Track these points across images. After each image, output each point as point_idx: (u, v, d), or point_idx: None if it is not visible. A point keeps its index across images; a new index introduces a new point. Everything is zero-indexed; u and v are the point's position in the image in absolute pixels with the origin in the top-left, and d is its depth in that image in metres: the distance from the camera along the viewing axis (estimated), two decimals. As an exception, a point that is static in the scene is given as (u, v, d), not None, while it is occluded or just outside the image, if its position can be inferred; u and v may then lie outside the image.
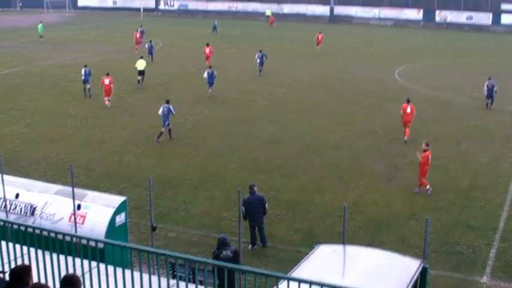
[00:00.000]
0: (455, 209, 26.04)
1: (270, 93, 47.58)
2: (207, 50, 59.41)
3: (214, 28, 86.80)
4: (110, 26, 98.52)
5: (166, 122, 35.04)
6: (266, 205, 22.22)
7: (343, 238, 18.14)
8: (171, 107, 35.20)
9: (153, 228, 20.47)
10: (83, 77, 45.60)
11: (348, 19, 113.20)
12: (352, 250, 17.66)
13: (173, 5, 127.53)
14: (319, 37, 72.82)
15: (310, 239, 22.52)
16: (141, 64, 49.97)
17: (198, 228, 23.60)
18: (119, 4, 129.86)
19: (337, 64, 62.70)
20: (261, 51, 56.84)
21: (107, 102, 42.75)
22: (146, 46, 63.21)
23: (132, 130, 37.05)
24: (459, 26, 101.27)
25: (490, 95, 43.75)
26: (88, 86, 45.52)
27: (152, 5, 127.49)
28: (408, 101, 36.38)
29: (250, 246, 22.08)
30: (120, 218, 19.65)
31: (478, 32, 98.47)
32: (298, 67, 60.30)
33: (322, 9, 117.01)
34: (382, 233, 23.47)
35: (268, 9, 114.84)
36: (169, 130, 35.34)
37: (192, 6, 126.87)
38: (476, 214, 25.59)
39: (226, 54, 65.76)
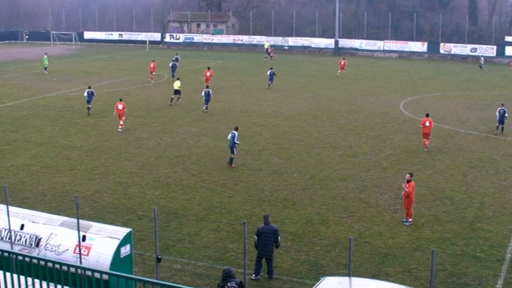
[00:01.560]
0: (461, 240, 25.92)
1: (276, 125, 47.65)
2: (208, 74, 64.54)
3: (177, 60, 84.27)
4: (116, 58, 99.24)
5: (233, 148, 36.31)
6: (279, 237, 22.16)
7: (349, 270, 18.06)
8: (236, 134, 36.38)
9: (158, 260, 20.41)
10: (86, 98, 50.72)
11: (353, 51, 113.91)
12: (358, 282, 17.58)
13: (179, 38, 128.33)
14: (342, 63, 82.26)
15: (315, 271, 22.42)
16: (176, 84, 56.41)
17: (203, 260, 23.49)
18: (124, 37, 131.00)
19: (342, 96, 62.83)
20: (271, 68, 68.89)
21: (120, 127, 45.17)
22: (170, 65, 73.16)
23: (137, 162, 37.06)
24: (463, 58, 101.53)
25: (502, 120, 45.99)
26: (89, 106, 50.66)
27: (158, 37, 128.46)
28: (427, 116, 40.93)
29: (254, 275, 21.95)
30: (125, 250, 19.55)
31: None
32: (304, 100, 60.43)
33: (327, 42, 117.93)
34: (388, 264, 23.33)
35: (267, 42, 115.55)
36: (231, 159, 36.54)
37: (198, 38, 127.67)
38: (483, 245, 25.47)
39: (231, 87, 65.98)
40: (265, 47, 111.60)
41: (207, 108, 52.92)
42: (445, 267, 23.02)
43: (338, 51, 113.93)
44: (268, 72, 68.36)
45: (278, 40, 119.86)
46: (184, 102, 57.19)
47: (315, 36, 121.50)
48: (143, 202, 29.85)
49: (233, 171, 35.33)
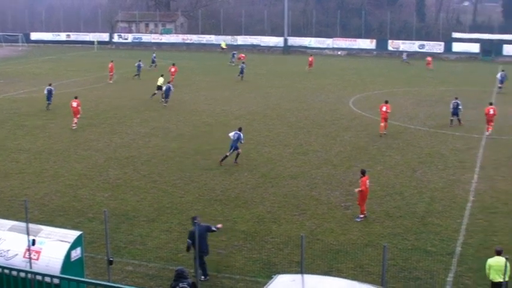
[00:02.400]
0: (412, 235, 26.15)
1: (226, 124, 47.54)
2: (173, 69, 68.79)
3: (153, 62, 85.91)
4: (64, 59, 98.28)
5: (234, 147, 36.56)
6: (212, 227, 22.04)
7: (301, 267, 18.09)
8: (241, 135, 36.67)
9: (110, 262, 20.22)
10: (46, 95, 53.14)
11: (302, 49, 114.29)
12: (311, 279, 17.61)
13: (127, 38, 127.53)
14: (310, 59, 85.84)
15: (268, 269, 22.41)
16: (160, 81, 59.11)
17: (155, 261, 23.33)
18: (72, 37, 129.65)
19: (292, 95, 63.00)
20: (243, 63, 76.33)
21: (73, 124, 45.80)
22: (136, 65, 74.60)
23: (86, 164, 36.67)
24: (411, 55, 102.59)
25: (456, 113, 47.98)
26: (49, 102, 53.02)
27: (106, 37, 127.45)
28: (386, 102, 45.36)
29: (203, 277, 21.80)
30: (76, 253, 19.32)
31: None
32: (253, 98, 60.48)
33: (276, 40, 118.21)
34: (340, 261, 23.43)
35: (223, 41, 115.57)
36: (237, 155, 36.81)
37: (146, 38, 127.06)
38: (433, 239, 25.73)
39: (181, 87, 65.72)
40: (222, 46, 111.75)
41: (166, 102, 55.27)
42: (397, 262, 23.19)
43: (287, 49, 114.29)
44: (240, 67, 75.58)
45: (227, 39, 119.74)
46: (133, 103, 56.83)
47: (264, 35, 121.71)
48: (93, 204, 29.55)
49: (183, 171, 35.18)
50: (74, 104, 46.62)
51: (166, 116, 50.57)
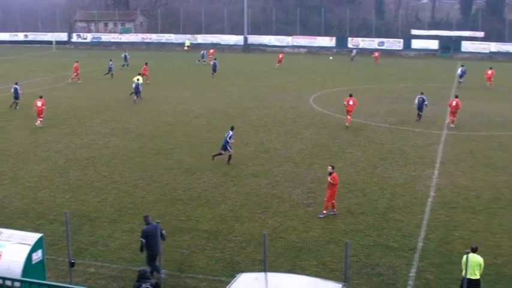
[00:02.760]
0: (374, 231, 26.26)
1: (187, 123, 47.42)
2: (144, 68, 69.57)
3: (125, 59, 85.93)
4: (22, 60, 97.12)
5: (226, 146, 36.44)
6: (163, 232, 21.99)
7: (264, 265, 18.07)
8: (231, 133, 36.54)
9: (72, 264, 20.04)
10: (13, 94, 53.83)
11: (262, 48, 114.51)
12: (274, 277, 17.59)
13: (86, 38, 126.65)
14: (280, 56, 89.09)
15: (231, 268, 22.34)
16: (137, 79, 59.09)
17: (118, 262, 23.15)
18: (30, 37, 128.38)
19: (252, 93, 63.02)
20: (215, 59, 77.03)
21: (38, 122, 46.18)
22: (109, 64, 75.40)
23: (46, 165, 36.27)
24: (371, 52, 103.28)
25: (421, 107, 49.00)
26: (16, 101, 53.57)
27: (65, 37, 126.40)
28: (351, 95, 47.30)
29: (164, 275, 21.67)
30: (37, 256, 19.09)
31: (390, 57, 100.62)
32: (214, 97, 60.38)
33: (236, 39, 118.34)
34: (303, 258, 23.45)
35: (188, 40, 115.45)
36: (229, 156, 36.64)
37: (106, 38, 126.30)
38: (395, 235, 25.87)
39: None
40: (186, 44, 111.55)
41: (138, 97, 57.22)
42: (359, 259, 23.27)
43: (247, 47, 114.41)
44: (212, 62, 78.48)
45: (187, 38, 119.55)
46: (92, 103, 56.41)
47: (224, 33, 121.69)
48: (54, 206, 29.23)
49: (145, 171, 34.95)
50: (39, 104, 46.74)
51: (126, 116, 50.24)
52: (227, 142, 36.27)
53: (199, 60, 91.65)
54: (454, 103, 47.32)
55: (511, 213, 28.66)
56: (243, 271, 19.36)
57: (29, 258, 18.67)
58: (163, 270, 21.22)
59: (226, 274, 21.72)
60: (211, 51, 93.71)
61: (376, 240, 25.31)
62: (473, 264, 19.32)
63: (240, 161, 37.07)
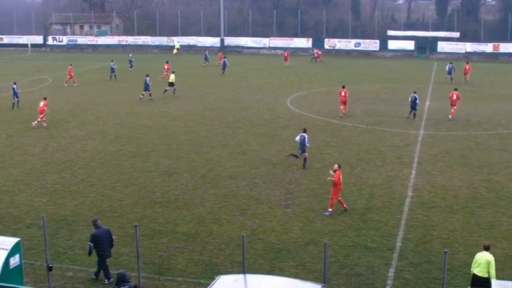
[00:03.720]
0: (352, 232, 26.31)
1: (163, 126, 47.27)
2: (166, 66, 73.44)
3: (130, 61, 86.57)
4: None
5: (301, 150, 36.22)
6: (113, 237, 21.99)
7: (243, 267, 18.04)
8: (306, 136, 36.23)
9: (50, 269, 19.92)
10: (12, 92, 54.75)
11: (239, 49, 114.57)
12: (253, 279, 17.56)
13: (62, 40, 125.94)
14: (285, 54, 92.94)
15: (210, 270, 22.30)
16: (171, 77, 63.05)
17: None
18: (5, 40, 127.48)
19: (229, 95, 62.97)
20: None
21: (34, 122, 47.02)
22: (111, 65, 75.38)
23: (23, 169, 36.01)
24: (348, 53, 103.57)
25: (413, 106, 50.06)
26: (16, 100, 54.78)
27: (40, 40, 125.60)
28: (343, 87, 51.65)
29: (107, 280, 21.61)
30: (15, 260, 18.96)
31: (367, 58, 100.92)
32: (191, 99, 60.25)
33: (213, 41, 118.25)
34: (282, 259, 23.44)
35: (177, 42, 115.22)
36: (305, 159, 36.22)
37: (82, 40, 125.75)
38: (373, 235, 25.94)
39: (116, 89, 65.15)
40: (176, 47, 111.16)
41: (150, 95, 59.76)
42: (338, 259, 23.31)
43: (224, 49, 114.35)
44: (222, 61, 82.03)
45: (163, 40, 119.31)
46: (69, 106, 56.13)
47: (200, 35, 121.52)
48: (31, 210, 29.02)
49: (122, 174, 34.80)
50: (41, 104, 47.42)
51: (103, 119, 50.02)
52: (305, 146, 36.12)
53: (205, 64, 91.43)
54: (454, 96, 50.06)
55: (488, 212, 28.86)
56: (221, 273, 19.33)
57: (6, 263, 18.54)
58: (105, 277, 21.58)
59: (205, 276, 21.67)
60: (220, 54, 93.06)
61: (355, 241, 25.36)
62: (483, 262, 19.38)
63: (217, 163, 37.01)
